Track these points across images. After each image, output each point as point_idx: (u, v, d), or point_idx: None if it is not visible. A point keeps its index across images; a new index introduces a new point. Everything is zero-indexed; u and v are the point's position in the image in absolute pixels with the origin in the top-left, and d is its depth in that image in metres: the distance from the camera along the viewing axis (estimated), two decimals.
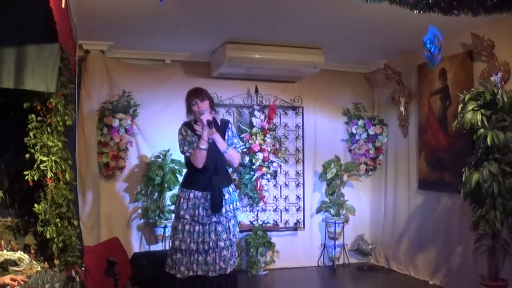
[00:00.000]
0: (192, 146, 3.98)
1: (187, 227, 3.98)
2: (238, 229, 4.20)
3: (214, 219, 3.97)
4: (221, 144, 3.98)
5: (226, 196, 4.03)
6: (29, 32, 3.24)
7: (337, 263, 6.23)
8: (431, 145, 5.45)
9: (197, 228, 3.97)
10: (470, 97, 4.19)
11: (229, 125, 4.15)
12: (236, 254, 4.16)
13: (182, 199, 4.04)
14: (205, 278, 3.95)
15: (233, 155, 4.03)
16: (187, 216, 3.98)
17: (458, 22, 3.66)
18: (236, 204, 4.11)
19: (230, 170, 4.61)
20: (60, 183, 3.82)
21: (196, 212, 3.97)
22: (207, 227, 3.96)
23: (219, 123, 4.08)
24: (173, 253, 4.02)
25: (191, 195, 4.00)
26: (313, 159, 6.46)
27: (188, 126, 4.08)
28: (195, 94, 3.99)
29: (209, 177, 3.97)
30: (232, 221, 4.06)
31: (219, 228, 3.97)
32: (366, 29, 4.85)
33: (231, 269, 4.03)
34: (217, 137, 3.97)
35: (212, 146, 3.97)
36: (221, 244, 3.96)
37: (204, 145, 3.90)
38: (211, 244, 3.94)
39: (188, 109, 4.06)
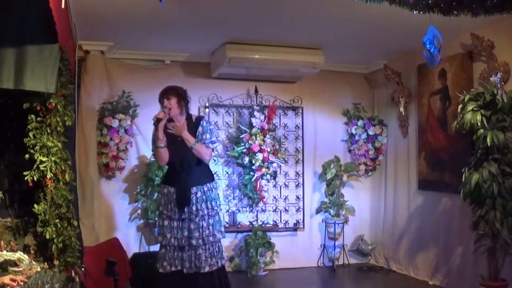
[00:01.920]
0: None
1: (165, 222, 4.11)
2: (221, 229, 4.19)
3: (184, 216, 4.03)
4: (188, 141, 4.06)
5: (198, 194, 4.06)
6: (29, 32, 3.23)
7: (337, 264, 6.23)
8: (431, 145, 5.45)
9: (175, 223, 4.07)
10: (470, 97, 4.19)
11: (201, 121, 4.20)
12: (219, 254, 4.14)
13: (161, 195, 4.24)
14: (183, 274, 4.02)
15: (200, 151, 4.08)
16: (164, 211, 4.13)
17: (457, 23, 3.67)
18: (212, 203, 4.11)
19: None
20: (59, 184, 3.81)
21: (169, 207, 4.08)
22: (180, 223, 4.05)
23: (193, 120, 4.19)
24: (159, 249, 4.18)
25: (165, 191, 4.15)
26: (312, 159, 6.46)
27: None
28: (162, 95, 4.14)
29: (177, 174, 4.09)
30: (211, 221, 4.08)
31: (192, 226, 4.03)
32: (366, 30, 4.85)
33: (211, 269, 4.04)
34: (184, 134, 4.06)
35: (179, 143, 4.08)
36: (193, 242, 4.01)
37: (161, 143, 4.05)
38: (183, 241, 4.02)
39: None
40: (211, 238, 4.06)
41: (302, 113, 6.43)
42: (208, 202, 4.09)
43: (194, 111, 5.79)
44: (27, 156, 3.70)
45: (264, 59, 5.46)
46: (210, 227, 4.07)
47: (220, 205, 4.25)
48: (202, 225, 4.03)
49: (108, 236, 5.38)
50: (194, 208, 4.02)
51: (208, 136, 4.15)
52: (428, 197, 5.55)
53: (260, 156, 5.78)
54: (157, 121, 4.04)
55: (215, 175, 5.94)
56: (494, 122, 4.05)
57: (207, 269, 4.02)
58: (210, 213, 4.08)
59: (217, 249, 4.12)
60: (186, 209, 4.02)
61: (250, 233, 5.86)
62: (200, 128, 4.14)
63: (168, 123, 4.07)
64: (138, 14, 4.39)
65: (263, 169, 5.82)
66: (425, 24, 3.29)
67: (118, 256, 4.40)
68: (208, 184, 4.14)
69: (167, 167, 4.32)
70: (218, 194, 4.26)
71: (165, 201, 4.14)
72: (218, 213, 4.18)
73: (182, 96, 4.15)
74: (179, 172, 4.09)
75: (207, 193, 4.10)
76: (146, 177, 5.55)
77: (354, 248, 6.45)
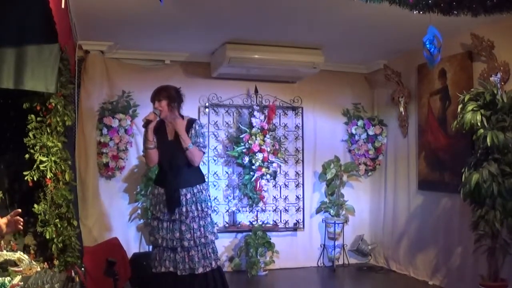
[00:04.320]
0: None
1: (155, 223, 4.11)
2: (213, 231, 4.18)
3: (174, 217, 4.02)
4: (185, 142, 4.03)
5: (188, 196, 4.05)
6: (29, 32, 3.24)
7: (336, 264, 6.22)
8: (430, 145, 5.45)
9: (164, 224, 4.06)
10: (470, 97, 4.19)
11: (194, 124, 4.17)
12: (214, 256, 4.13)
13: (151, 195, 4.24)
14: (176, 275, 4.01)
15: (194, 153, 4.05)
16: (154, 212, 4.14)
17: (457, 23, 3.67)
18: (202, 205, 4.09)
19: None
20: (59, 184, 3.82)
21: (158, 208, 4.09)
22: (170, 224, 4.04)
23: (186, 123, 4.16)
24: (152, 249, 4.21)
25: (156, 192, 4.15)
26: (312, 159, 6.45)
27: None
28: (153, 96, 4.10)
29: (166, 175, 4.08)
30: (202, 222, 4.06)
31: (183, 228, 4.02)
32: (366, 29, 4.85)
33: (205, 270, 4.03)
34: (183, 134, 4.03)
35: (169, 144, 4.07)
36: (185, 244, 4.01)
37: (150, 144, 4.05)
38: (174, 242, 4.02)
39: None
40: (202, 240, 4.05)
41: (302, 113, 6.43)
42: (198, 204, 4.07)
43: (194, 111, 5.83)
44: (27, 156, 3.71)
45: (264, 59, 5.46)
46: (202, 228, 4.05)
47: (211, 206, 4.23)
48: (193, 226, 4.02)
49: (108, 236, 5.38)
50: (184, 209, 4.01)
51: (201, 140, 4.13)
52: (428, 197, 5.55)
53: (260, 156, 5.78)
54: (146, 122, 4.00)
55: (215, 175, 6.02)
56: (494, 122, 4.05)
57: (200, 270, 4.01)
58: (200, 215, 4.06)
59: (210, 250, 4.10)
60: (176, 211, 4.01)
61: (250, 233, 5.86)
62: (192, 131, 4.11)
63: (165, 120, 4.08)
64: (138, 14, 4.39)
65: (263, 169, 5.82)
66: (425, 24, 3.29)
67: (118, 256, 4.41)
68: (198, 185, 4.11)
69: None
70: (209, 196, 4.24)
71: (155, 202, 4.13)
72: (209, 215, 4.16)
73: (173, 98, 4.09)
74: (168, 173, 4.07)
75: (197, 194, 4.08)
76: (146, 177, 5.54)
77: (354, 248, 6.45)
